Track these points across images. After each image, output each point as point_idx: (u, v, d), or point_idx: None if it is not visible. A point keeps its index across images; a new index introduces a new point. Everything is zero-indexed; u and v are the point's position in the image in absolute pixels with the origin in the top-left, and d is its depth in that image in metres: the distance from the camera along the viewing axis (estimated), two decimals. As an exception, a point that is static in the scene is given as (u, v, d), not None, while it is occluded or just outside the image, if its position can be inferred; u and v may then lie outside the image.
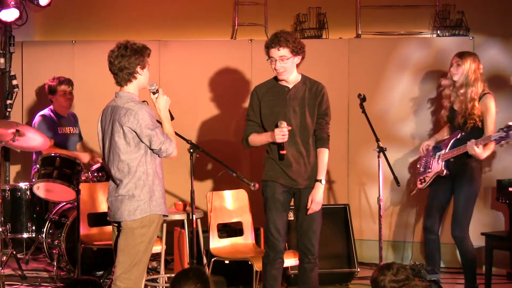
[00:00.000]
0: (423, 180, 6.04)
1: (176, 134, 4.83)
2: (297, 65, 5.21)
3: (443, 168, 5.90)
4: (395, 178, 5.81)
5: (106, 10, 8.13)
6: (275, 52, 5.11)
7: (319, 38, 7.54)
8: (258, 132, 5.29)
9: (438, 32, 7.33)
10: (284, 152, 5.12)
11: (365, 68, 7.36)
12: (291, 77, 5.21)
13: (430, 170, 6.00)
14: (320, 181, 5.17)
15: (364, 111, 5.83)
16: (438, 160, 5.95)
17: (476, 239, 6.84)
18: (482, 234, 6.27)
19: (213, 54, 7.61)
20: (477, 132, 5.79)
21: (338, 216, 6.62)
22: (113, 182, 4.66)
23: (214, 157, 5.94)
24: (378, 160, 5.73)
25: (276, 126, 5.10)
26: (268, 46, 5.16)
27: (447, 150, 5.91)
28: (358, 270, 6.52)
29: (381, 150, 5.71)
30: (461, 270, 6.97)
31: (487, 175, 7.03)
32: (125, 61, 4.57)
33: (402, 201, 7.00)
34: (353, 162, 7.37)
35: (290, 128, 5.10)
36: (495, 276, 6.31)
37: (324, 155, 5.21)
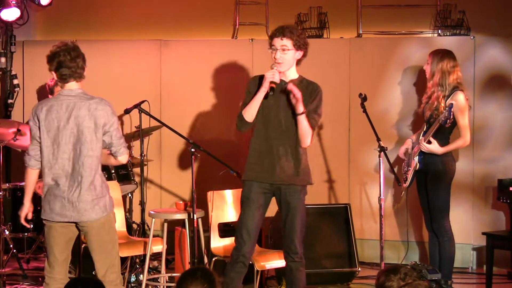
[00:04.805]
0: (405, 179, 6.07)
1: (178, 133, 4.82)
2: (297, 62, 5.12)
3: (416, 162, 5.95)
4: (396, 177, 5.83)
5: (107, 10, 8.12)
6: (278, 41, 5.05)
7: (320, 37, 7.53)
8: None
9: (439, 31, 7.32)
10: (274, 85, 4.97)
11: (366, 67, 7.36)
12: (289, 72, 5.11)
13: (410, 168, 6.04)
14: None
15: (365, 111, 5.83)
16: (413, 157, 5.98)
17: (477, 239, 6.86)
18: (483, 233, 6.27)
19: (214, 53, 7.60)
20: (441, 126, 5.81)
21: (339, 216, 6.62)
22: (65, 180, 4.58)
23: (215, 157, 5.94)
24: (379, 160, 5.72)
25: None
26: (272, 36, 5.11)
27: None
28: (359, 269, 6.51)
29: (382, 149, 5.71)
30: (464, 269, 6.98)
31: (487, 174, 7.04)
32: (81, 60, 4.78)
33: (403, 200, 6.99)
34: (354, 162, 7.36)
35: (279, 70, 5.01)
36: (496, 276, 6.31)
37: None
